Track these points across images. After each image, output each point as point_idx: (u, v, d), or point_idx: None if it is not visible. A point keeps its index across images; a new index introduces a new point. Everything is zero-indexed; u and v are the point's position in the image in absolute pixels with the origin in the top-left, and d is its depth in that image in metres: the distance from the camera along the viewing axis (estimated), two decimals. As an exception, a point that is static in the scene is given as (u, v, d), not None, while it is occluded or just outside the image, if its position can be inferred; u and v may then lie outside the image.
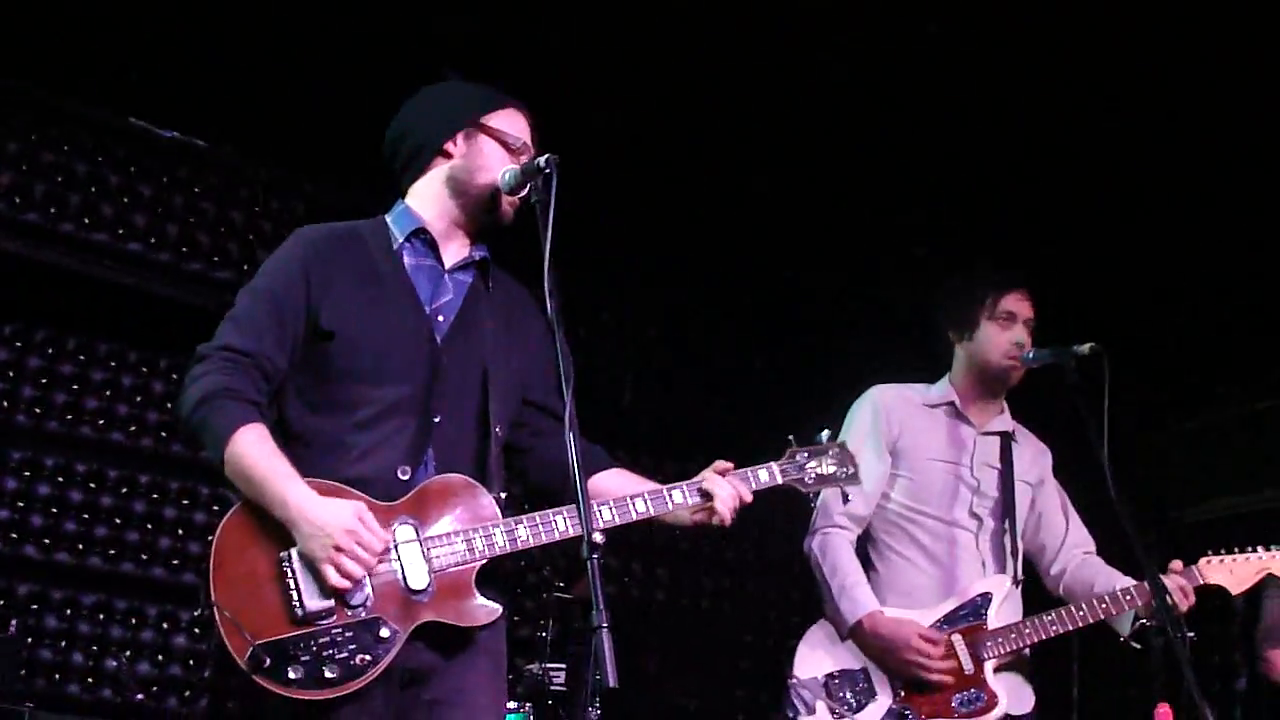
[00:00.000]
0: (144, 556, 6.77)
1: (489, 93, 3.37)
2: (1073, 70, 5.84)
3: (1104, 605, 4.11)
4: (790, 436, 3.41)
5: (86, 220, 6.65)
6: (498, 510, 3.07)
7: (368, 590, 2.91)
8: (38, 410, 6.64)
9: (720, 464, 3.27)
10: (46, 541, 6.54)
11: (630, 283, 8.19)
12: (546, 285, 2.86)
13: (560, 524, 3.06)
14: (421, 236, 3.26)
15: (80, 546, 6.62)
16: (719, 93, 6.33)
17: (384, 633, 2.89)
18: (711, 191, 7.15)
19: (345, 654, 2.86)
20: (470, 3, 5.85)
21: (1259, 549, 4.24)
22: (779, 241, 7.58)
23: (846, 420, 4.46)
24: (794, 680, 4.14)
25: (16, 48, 6.18)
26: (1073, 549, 4.45)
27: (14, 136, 6.50)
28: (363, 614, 2.90)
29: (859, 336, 7.84)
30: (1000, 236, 6.71)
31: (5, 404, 6.56)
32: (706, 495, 3.21)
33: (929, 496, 4.31)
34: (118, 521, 6.74)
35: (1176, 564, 4.19)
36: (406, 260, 3.23)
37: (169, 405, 6.81)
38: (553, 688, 5.85)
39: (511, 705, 5.48)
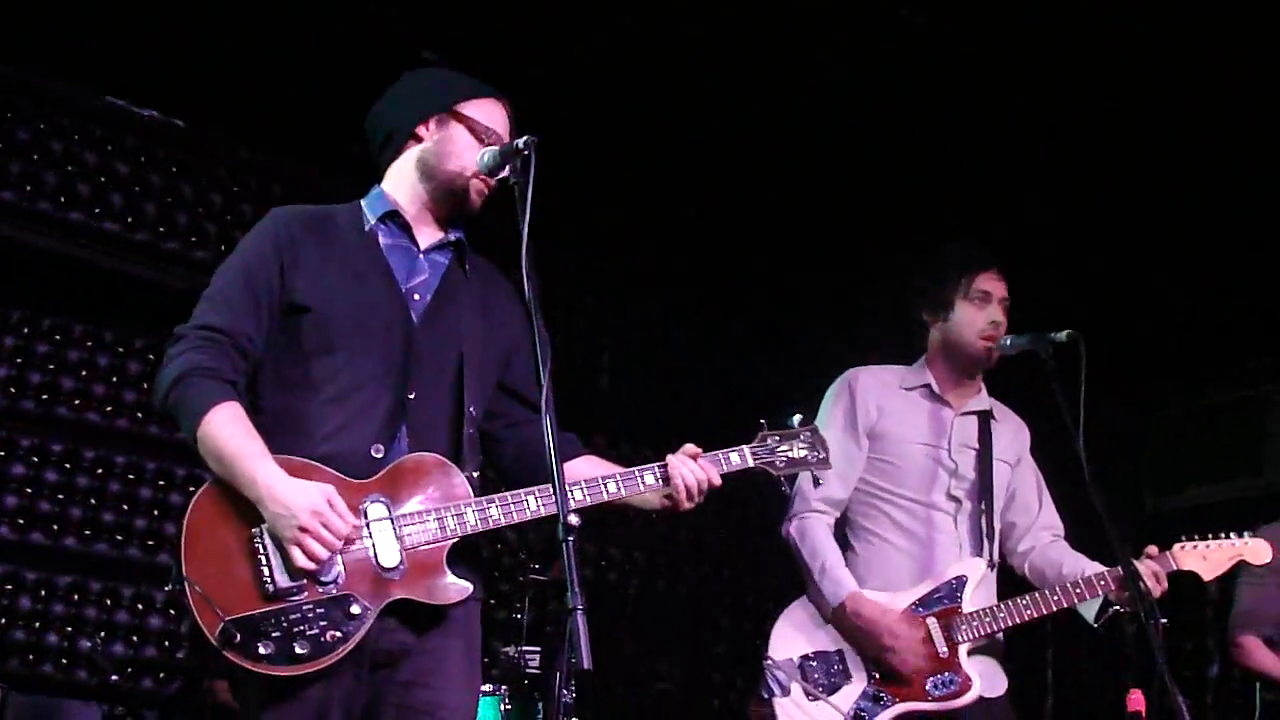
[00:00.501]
0: (119, 537, 6.77)
1: (468, 81, 3.36)
2: (1048, 56, 5.86)
3: (1079, 590, 4.12)
4: (762, 420, 3.41)
5: (62, 199, 6.63)
6: (470, 489, 3.07)
7: (339, 567, 2.91)
8: (13, 390, 6.61)
9: (689, 448, 3.26)
10: (21, 522, 6.52)
11: (608, 266, 8.19)
12: (524, 267, 2.85)
13: (532, 503, 3.06)
14: (395, 219, 3.26)
15: (55, 527, 6.61)
16: (701, 82, 6.33)
17: (355, 610, 2.89)
18: (690, 176, 7.15)
19: (316, 630, 2.86)
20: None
21: (1233, 535, 4.26)
22: (758, 227, 7.59)
23: (823, 403, 4.45)
24: (769, 661, 4.15)
25: (-8, 25, 6.15)
26: (1041, 530, 4.46)
27: (-11, 115, 6.48)
28: (334, 590, 2.89)
29: (837, 321, 7.87)
30: (978, 223, 6.72)
31: (-20, 385, 6.54)
32: (670, 479, 3.21)
33: (907, 479, 4.31)
34: (93, 502, 6.73)
35: (1151, 549, 4.20)
36: (381, 240, 3.23)
37: (145, 386, 6.80)
38: (528, 670, 5.86)
39: (487, 687, 5.48)
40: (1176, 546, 4.23)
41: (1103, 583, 4.10)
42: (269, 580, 2.86)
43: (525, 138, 3.01)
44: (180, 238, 6.92)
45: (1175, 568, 4.18)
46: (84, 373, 6.80)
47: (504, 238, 2.96)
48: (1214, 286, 7.32)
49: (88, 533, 6.68)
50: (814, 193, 7.15)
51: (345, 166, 4.85)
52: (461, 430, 3.14)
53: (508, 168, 3.08)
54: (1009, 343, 4.24)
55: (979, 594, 4.19)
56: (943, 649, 4.10)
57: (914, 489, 4.31)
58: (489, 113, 3.31)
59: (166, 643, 6.80)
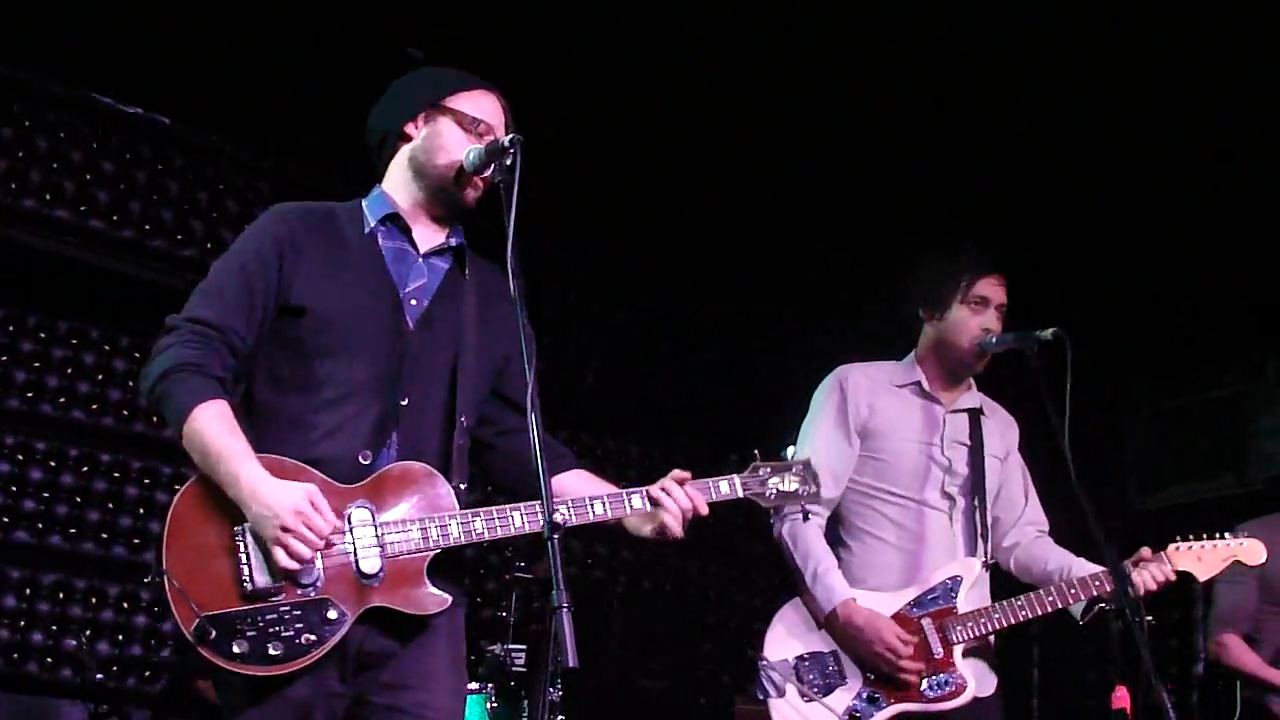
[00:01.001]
0: (104, 535, 6.74)
1: (453, 74, 3.33)
2: (1041, 57, 5.87)
3: (1073, 591, 4.12)
4: (755, 451, 3.38)
5: (48, 196, 6.59)
6: (455, 501, 3.05)
7: (318, 571, 2.90)
8: (-3, 388, 6.59)
9: (678, 473, 3.22)
10: (6, 520, 6.49)
11: (597, 264, 8.18)
12: (510, 265, 2.86)
13: (517, 519, 3.03)
14: (395, 221, 3.23)
15: (40, 525, 6.58)
16: (696, 79, 6.33)
17: (331, 614, 2.88)
18: (681, 175, 7.15)
19: (291, 632, 2.85)
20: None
21: (1228, 536, 4.24)
22: (747, 225, 7.58)
23: (813, 401, 4.44)
24: (764, 662, 4.15)
25: (-23, 22, 6.12)
26: (1026, 526, 4.46)
27: (-27, 112, 6.45)
28: (312, 594, 2.88)
29: (831, 320, 7.85)
30: (966, 220, 6.73)
31: (-36, 383, 6.51)
32: (658, 504, 3.19)
33: (900, 477, 4.30)
34: (78, 500, 6.70)
35: (1146, 551, 4.19)
36: (381, 243, 3.20)
37: (130, 383, 6.77)
38: (514, 668, 5.85)
39: (472, 686, 5.47)
40: (1171, 547, 4.21)
41: (1098, 584, 4.09)
42: (248, 579, 2.85)
43: (511, 136, 3.00)
44: (166, 235, 6.89)
45: (1171, 568, 4.18)
46: (69, 370, 6.77)
47: (492, 234, 2.95)
48: (1199, 285, 7.33)
49: (73, 531, 6.65)
50: (811, 192, 7.15)
51: (333, 164, 4.84)
52: (452, 439, 3.12)
53: (493, 166, 3.06)
54: (994, 341, 4.25)
55: (974, 594, 4.19)
56: (938, 650, 4.10)
57: (906, 486, 4.31)
58: (477, 103, 3.27)
59: (152, 641, 6.78)
